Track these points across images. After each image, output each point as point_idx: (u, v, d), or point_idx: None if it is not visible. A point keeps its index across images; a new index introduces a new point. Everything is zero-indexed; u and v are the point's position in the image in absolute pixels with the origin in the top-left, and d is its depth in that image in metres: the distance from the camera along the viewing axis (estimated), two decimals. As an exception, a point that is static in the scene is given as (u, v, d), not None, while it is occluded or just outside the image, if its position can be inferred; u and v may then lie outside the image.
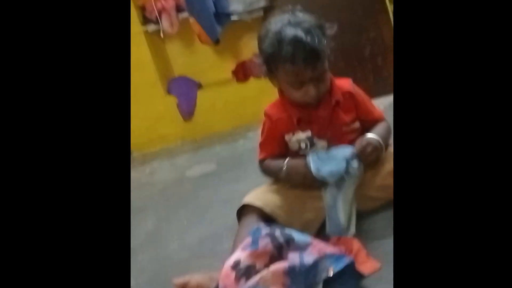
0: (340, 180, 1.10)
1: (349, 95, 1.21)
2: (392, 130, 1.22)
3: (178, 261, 1.29)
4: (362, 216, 1.14)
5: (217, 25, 2.36)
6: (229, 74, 2.63)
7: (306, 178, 1.14)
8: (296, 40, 1.07)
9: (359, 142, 1.12)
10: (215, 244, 1.30)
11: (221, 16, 2.37)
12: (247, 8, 2.36)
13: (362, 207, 1.15)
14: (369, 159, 1.12)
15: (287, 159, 1.19)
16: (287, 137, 1.21)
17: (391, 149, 1.21)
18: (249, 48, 2.50)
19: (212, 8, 2.30)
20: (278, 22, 1.12)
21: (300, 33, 1.08)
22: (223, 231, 1.33)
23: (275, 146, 1.22)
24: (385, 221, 1.11)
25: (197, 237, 1.39)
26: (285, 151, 1.22)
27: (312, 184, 1.14)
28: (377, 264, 0.96)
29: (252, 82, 2.49)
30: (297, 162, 1.17)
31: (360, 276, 0.93)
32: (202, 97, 2.61)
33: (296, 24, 1.09)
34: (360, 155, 1.10)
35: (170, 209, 1.68)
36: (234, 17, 2.39)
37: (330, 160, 1.12)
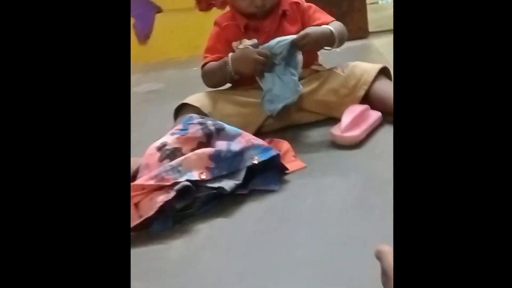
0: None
1: (297, 6, 1.21)
2: (346, 31, 1.20)
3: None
4: (300, 127, 1.16)
5: None
6: (192, 2, 2.55)
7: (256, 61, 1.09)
8: None
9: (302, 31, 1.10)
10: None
11: None
12: None
13: (298, 119, 1.17)
14: (305, 46, 1.10)
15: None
16: (234, 44, 1.20)
17: (337, 69, 1.20)
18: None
19: None
20: None
21: None
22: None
23: (221, 50, 1.21)
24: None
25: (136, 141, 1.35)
26: None
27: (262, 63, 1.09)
28: (302, 163, 0.98)
29: (215, 13, 2.43)
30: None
31: (283, 171, 0.94)
32: (160, 22, 2.51)
33: None
34: (297, 42, 1.08)
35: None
36: None
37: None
